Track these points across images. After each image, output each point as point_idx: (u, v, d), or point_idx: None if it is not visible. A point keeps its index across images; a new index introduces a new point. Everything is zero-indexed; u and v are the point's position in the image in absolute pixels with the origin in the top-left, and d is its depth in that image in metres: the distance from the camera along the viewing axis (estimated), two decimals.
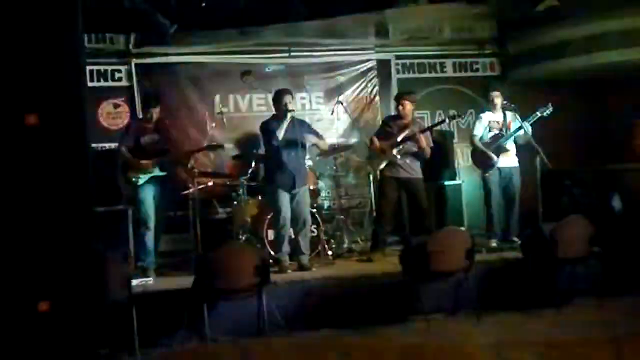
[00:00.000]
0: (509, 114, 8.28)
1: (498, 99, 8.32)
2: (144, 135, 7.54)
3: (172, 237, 8.67)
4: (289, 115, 7.38)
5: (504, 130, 8.24)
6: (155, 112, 7.62)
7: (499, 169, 8.21)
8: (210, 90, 9.76)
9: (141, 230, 7.42)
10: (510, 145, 8.25)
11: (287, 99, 7.47)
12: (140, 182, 7.41)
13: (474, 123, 8.39)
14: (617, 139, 10.23)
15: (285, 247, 7.44)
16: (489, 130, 8.31)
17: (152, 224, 7.44)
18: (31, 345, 3.48)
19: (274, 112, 7.66)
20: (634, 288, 7.16)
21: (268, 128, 7.47)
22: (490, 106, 8.41)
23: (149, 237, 7.44)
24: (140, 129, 7.61)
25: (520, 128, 8.04)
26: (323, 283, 6.86)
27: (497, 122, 8.32)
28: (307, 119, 9.47)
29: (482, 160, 8.27)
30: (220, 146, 8.19)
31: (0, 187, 3.44)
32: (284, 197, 7.40)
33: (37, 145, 3.48)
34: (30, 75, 3.51)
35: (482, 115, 8.41)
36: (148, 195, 7.45)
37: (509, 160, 8.26)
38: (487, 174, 8.22)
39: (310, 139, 7.64)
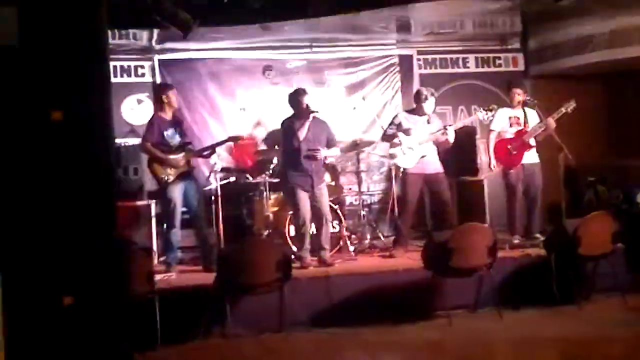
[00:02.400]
0: (529, 110, 8.24)
1: (519, 97, 8.26)
2: (167, 128, 7.56)
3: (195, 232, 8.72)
4: (311, 115, 7.39)
5: (527, 126, 8.19)
6: (168, 100, 7.60)
7: (522, 165, 8.15)
8: (232, 86, 9.78)
9: (167, 226, 7.45)
10: (532, 141, 8.20)
11: (305, 99, 7.48)
12: (171, 178, 7.41)
13: (493, 118, 8.33)
14: None
15: (307, 244, 7.46)
16: (510, 126, 8.25)
17: (177, 222, 7.45)
18: (56, 338, 3.51)
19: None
20: None
21: (291, 127, 7.47)
22: (511, 102, 8.36)
23: (174, 234, 7.46)
24: (162, 122, 7.60)
25: (542, 124, 8.00)
26: (345, 279, 6.87)
27: (517, 117, 8.26)
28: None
29: (505, 157, 8.20)
30: (240, 137, 8.17)
31: (27, 183, 3.47)
32: (303, 196, 7.41)
33: (62, 141, 3.51)
34: (56, 72, 3.54)
35: (501, 110, 8.34)
36: (176, 192, 7.43)
37: (531, 156, 8.21)
38: (510, 171, 8.17)
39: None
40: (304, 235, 7.44)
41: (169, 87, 7.89)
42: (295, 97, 7.53)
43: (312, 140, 7.44)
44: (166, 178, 7.39)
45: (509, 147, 8.12)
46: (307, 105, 7.42)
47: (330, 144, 7.69)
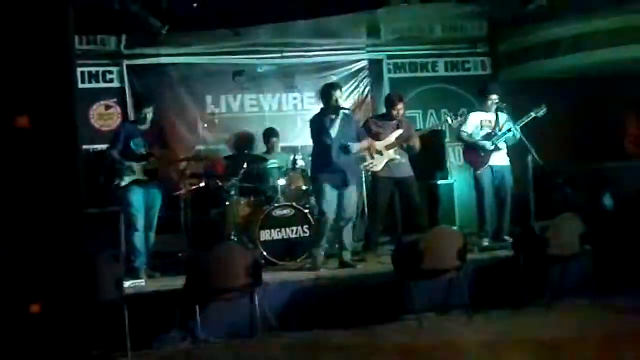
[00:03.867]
0: (501, 114, 8.30)
1: (494, 102, 8.31)
2: (136, 138, 7.54)
3: (164, 238, 8.67)
4: (341, 112, 7.36)
5: (497, 129, 8.25)
6: (148, 113, 7.62)
7: (491, 167, 8.21)
8: (202, 91, 9.76)
9: (129, 232, 7.42)
10: (502, 144, 8.26)
11: (338, 94, 7.41)
12: (123, 184, 7.40)
13: (465, 121, 8.38)
14: (608, 137, 10.26)
15: (325, 242, 7.47)
16: (481, 129, 8.31)
17: (140, 225, 7.43)
18: (24, 346, 3.48)
19: (321, 107, 7.58)
20: (625, 286, 7.20)
21: (322, 124, 7.38)
22: (484, 107, 8.40)
23: (138, 239, 7.42)
24: (132, 131, 7.60)
25: (510, 130, 8.08)
26: (315, 283, 6.86)
27: (490, 121, 8.32)
28: (299, 120, 9.53)
29: (474, 158, 8.28)
30: (205, 157, 8.19)
31: None
32: (332, 195, 7.34)
33: (28, 147, 3.48)
34: (22, 78, 3.51)
35: (473, 114, 8.40)
36: (134, 197, 7.42)
37: (501, 159, 8.27)
38: (479, 172, 8.23)
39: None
40: (323, 234, 7.43)
41: (150, 102, 7.85)
42: (328, 91, 7.43)
43: (343, 137, 7.37)
44: (118, 183, 7.38)
45: (478, 148, 8.20)
46: (337, 100, 7.37)
47: (359, 139, 7.64)
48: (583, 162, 9.87)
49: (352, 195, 7.53)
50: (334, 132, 7.27)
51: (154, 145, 7.60)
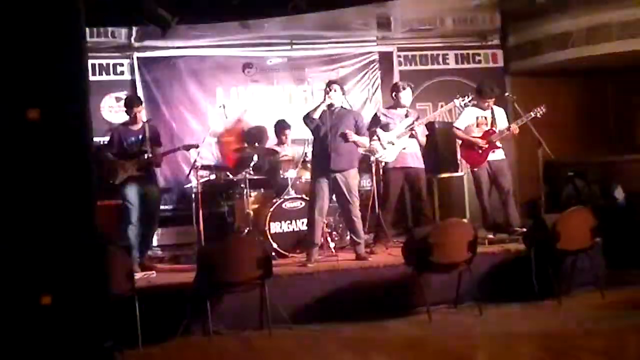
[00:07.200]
0: (497, 110, 8.28)
1: (491, 102, 8.28)
2: (129, 137, 7.67)
3: (175, 230, 8.70)
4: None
5: (495, 127, 8.21)
6: (138, 112, 7.75)
7: (488, 162, 8.18)
8: (212, 83, 9.76)
9: (124, 224, 7.48)
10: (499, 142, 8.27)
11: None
12: (117, 181, 7.53)
13: (459, 115, 8.33)
14: (619, 130, 10.23)
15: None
16: (477, 126, 8.26)
17: (134, 219, 7.54)
18: (34, 338, 3.49)
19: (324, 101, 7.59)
20: (635, 279, 7.19)
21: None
22: (481, 104, 8.34)
23: (131, 231, 7.52)
24: (124, 131, 7.76)
25: (509, 128, 8.07)
26: (325, 275, 6.87)
27: (486, 117, 8.28)
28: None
29: (471, 156, 8.25)
30: (195, 146, 8.17)
31: (3, 183, 3.44)
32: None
33: (39, 140, 3.48)
34: (32, 70, 3.51)
35: (467, 109, 8.31)
36: (130, 192, 7.55)
37: (497, 154, 8.23)
38: (475, 169, 8.21)
39: None
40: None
41: (138, 101, 8.01)
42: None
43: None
44: (113, 181, 7.52)
45: (475, 146, 8.16)
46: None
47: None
48: (593, 155, 9.85)
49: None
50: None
51: (146, 142, 7.66)
